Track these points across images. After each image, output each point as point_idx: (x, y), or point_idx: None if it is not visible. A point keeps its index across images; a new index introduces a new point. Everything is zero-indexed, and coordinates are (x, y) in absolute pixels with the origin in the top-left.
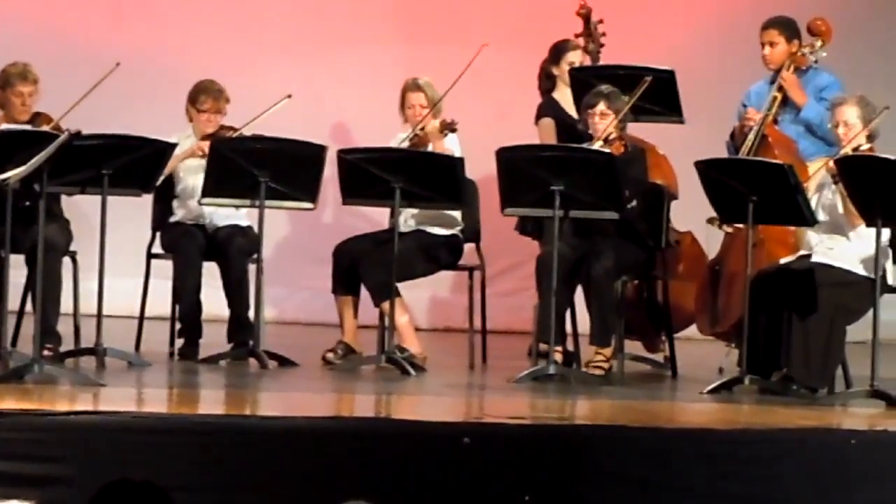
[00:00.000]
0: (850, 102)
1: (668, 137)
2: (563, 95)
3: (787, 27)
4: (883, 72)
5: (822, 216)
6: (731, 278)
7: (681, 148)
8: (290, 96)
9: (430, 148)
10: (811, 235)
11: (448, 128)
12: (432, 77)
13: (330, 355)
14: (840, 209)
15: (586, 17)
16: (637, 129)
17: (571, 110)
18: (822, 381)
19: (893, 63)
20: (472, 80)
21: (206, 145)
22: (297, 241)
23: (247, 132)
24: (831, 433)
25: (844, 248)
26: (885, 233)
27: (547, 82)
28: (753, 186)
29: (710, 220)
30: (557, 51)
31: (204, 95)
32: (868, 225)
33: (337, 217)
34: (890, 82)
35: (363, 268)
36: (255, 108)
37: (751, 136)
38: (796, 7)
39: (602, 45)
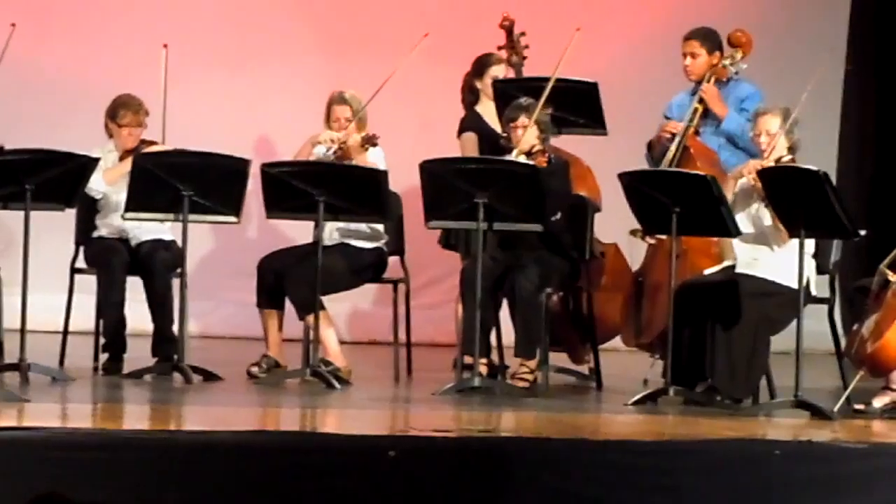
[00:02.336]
0: (772, 113)
1: (593, 150)
2: (487, 109)
3: (708, 38)
4: (804, 81)
5: (748, 227)
6: (655, 289)
7: (605, 160)
8: None
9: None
10: (735, 246)
11: (369, 142)
12: (356, 89)
13: (254, 369)
14: (768, 222)
15: (509, 30)
16: (562, 142)
17: (495, 124)
18: (746, 392)
19: (812, 73)
20: (395, 92)
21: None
22: (222, 255)
23: None
24: (756, 444)
25: (768, 258)
26: (810, 244)
27: (470, 96)
28: (677, 198)
29: (633, 232)
30: (481, 64)
31: (123, 110)
32: (791, 236)
33: (261, 231)
34: (810, 93)
35: (287, 282)
36: (177, 121)
37: (672, 148)
38: (718, 19)
39: (525, 58)
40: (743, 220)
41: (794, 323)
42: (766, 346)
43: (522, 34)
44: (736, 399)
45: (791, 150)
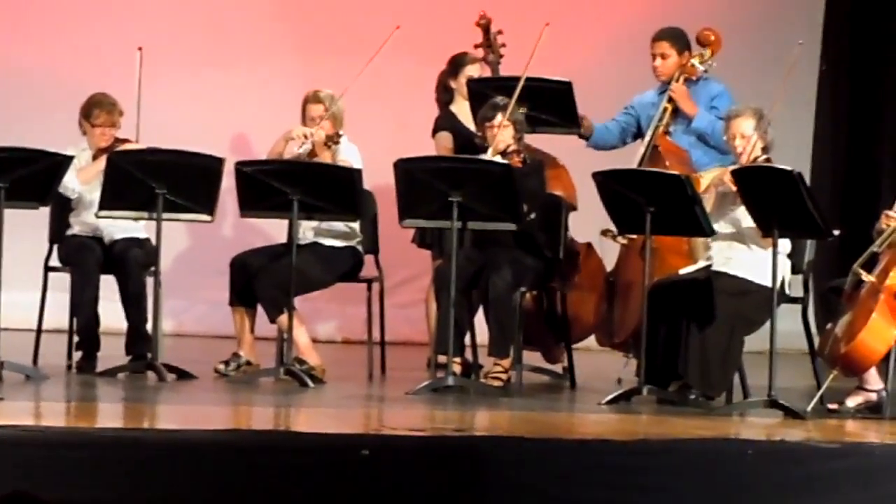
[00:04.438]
0: (745, 115)
1: (568, 149)
2: (462, 108)
3: (678, 39)
4: (775, 79)
5: (726, 227)
6: (627, 289)
7: (580, 159)
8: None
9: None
10: (710, 244)
11: (331, 140)
12: (332, 88)
13: (221, 367)
14: (748, 223)
15: (486, 28)
16: (538, 141)
17: (469, 123)
18: (720, 389)
19: (791, 75)
20: (371, 91)
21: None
22: (196, 253)
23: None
24: (729, 443)
25: (744, 257)
26: (787, 243)
27: (445, 95)
28: (651, 197)
29: (605, 232)
30: (456, 64)
31: (97, 109)
32: (765, 236)
33: (236, 229)
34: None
35: (257, 283)
36: (152, 120)
37: (642, 148)
38: (692, 18)
39: (502, 56)
40: (719, 219)
41: (768, 322)
42: (740, 344)
43: (499, 32)
44: (709, 396)
45: (765, 149)
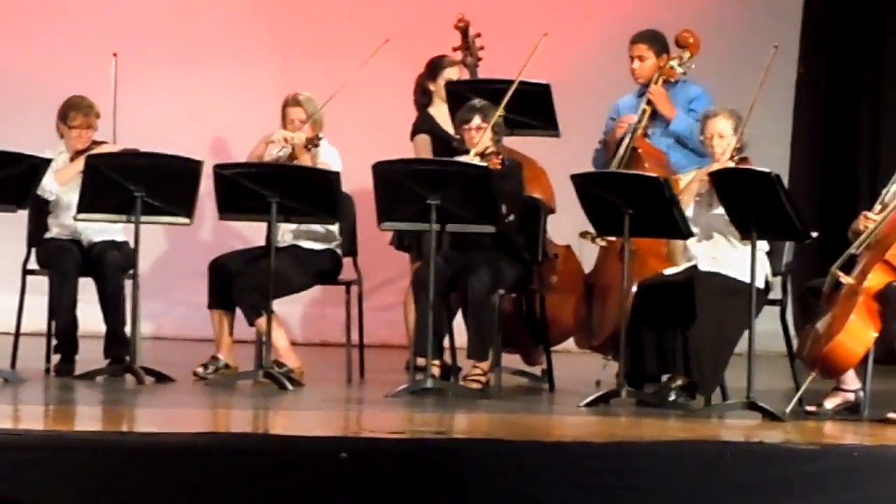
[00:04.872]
0: (722, 115)
1: (548, 151)
2: (440, 111)
3: (656, 41)
4: (753, 81)
5: (707, 226)
6: (606, 291)
7: (559, 161)
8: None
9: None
10: (692, 246)
11: (311, 143)
12: (312, 91)
13: (200, 370)
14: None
15: (464, 31)
16: (517, 144)
17: (448, 126)
18: (710, 390)
19: (769, 77)
20: (349, 93)
21: None
22: (175, 256)
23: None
24: (708, 445)
25: (729, 255)
26: (763, 242)
27: (423, 97)
28: (629, 199)
29: (583, 234)
30: (434, 66)
31: (74, 112)
32: (743, 238)
33: (215, 232)
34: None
35: (236, 286)
36: (130, 124)
37: (621, 150)
38: (670, 21)
39: (480, 59)
40: (700, 218)
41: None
42: (731, 343)
43: (478, 35)
44: (707, 391)
45: (741, 149)
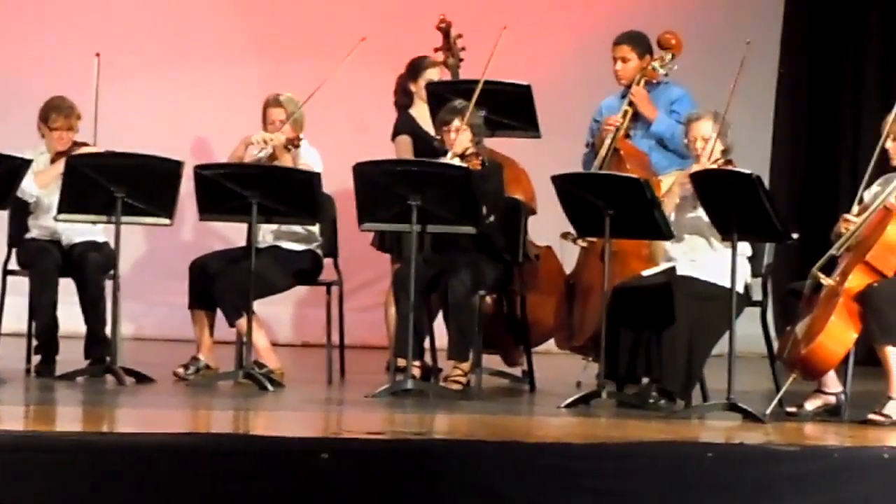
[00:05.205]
0: (705, 118)
1: (530, 151)
2: (421, 112)
3: (639, 42)
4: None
5: (688, 229)
6: (587, 292)
7: (541, 162)
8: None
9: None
10: (671, 248)
11: (291, 143)
12: (293, 92)
13: (181, 370)
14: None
15: (446, 32)
16: (498, 144)
17: (428, 126)
18: (688, 389)
19: (744, 74)
20: (330, 94)
21: None
22: (156, 256)
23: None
24: (688, 446)
25: (708, 259)
26: (746, 246)
27: (404, 98)
28: (610, 200)
29: (564, 235)
30: (415, 67)
31: (55, 113)
32: (724, 239)
33: (196, 233)
34: (740, 93)
35: (216, 287)
36: (111, 125)
37: (602, 151)
38: (653, 22)
39: (461, 60)
40: (682, 221)
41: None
42: (705, 345)
43: (459, 36)
44: (673, 398)
45: (725, 152)
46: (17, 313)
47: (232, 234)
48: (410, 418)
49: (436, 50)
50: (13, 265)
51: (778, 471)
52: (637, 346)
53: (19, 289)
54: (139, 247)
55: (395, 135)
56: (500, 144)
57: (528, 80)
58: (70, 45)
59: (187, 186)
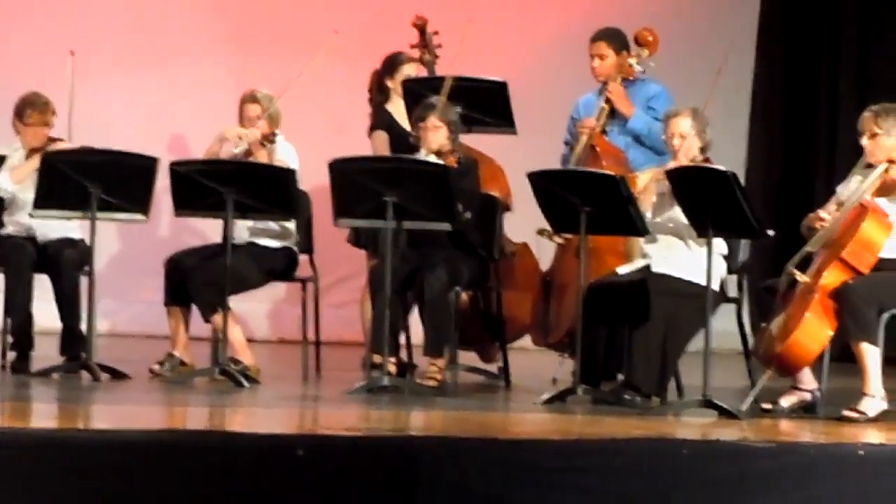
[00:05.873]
0: (683, 114)
1: (507, 148)
2: (397, 107)
3: (616, 39)
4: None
5: (664, 226)
6: (563, 289)
7: (518, 159)
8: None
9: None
10: (648, 245)
11: (266, 139)
12: (269, 88)
13: (156, 367)
14: (686, 222)
15: (422, 29)
16: (475, 141)
17: (405, 122)
18: (660, 387)
19: (724, 73)
20: (306, 90)
21: None
22: (131, 253)
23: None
24: (664, 443)
25: (683, 257)
26: (722, 245)
27: (380, 94)
28: (586, 197)
29: (541, 232)
30: (392, 63)
31: (30, 109)
32: (699, 236)
33: (172, 229)
34: (718, 90)
35: (191, 283)
36: (86, 121)
37: (578, 148)
38: (628, 18)
39: (437, 57)
40: (658, 219)
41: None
42: (679, 343)
43: (435, 33)
44: (648, 395)
45: (703, 149)
46: None
47: (208, 230)
48: (386, 415)
49: (412, 47)
50: None
51: (753, 467)
52: (613, 342)
53: None
54: (115, 243)
55: (371, 130)
56: (479, 141)
57: (505, 76)
58: (44, 42)
59: (163, 183)
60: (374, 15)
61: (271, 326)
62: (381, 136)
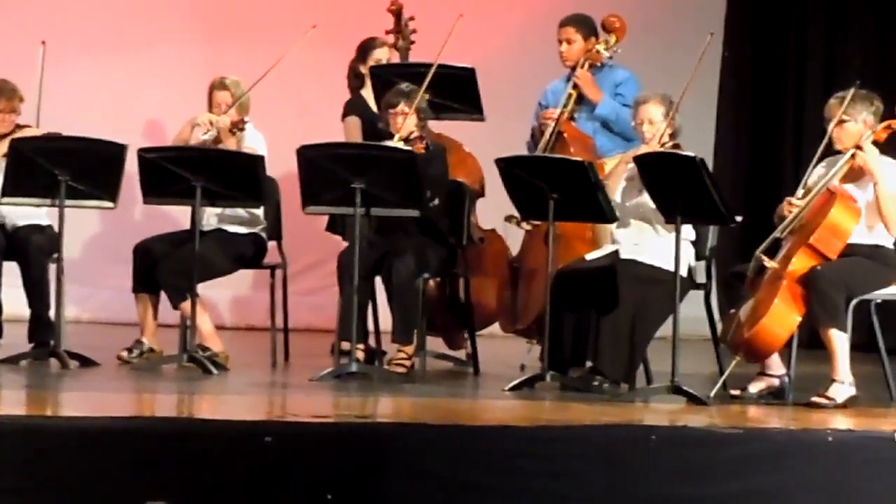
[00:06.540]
0: (653, 101)
1: (478, 134)
2: (371, 93)
3: (584, 25)
4: (679, 65)
5: (633, 212)
6: (531, 275)
7: (488, 145)
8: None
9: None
10: (616, 232)
11: (236, 126)
12: (239, 75)
13: (125, 354)
14: (654, 208)
15: (397, 14)
16: (446, 128)
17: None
18: (628, 374)
19: (690, 57)
20: (275, 77)
21: None
22: (100, 240)
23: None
24: (632, 429)
25: (652, 243)
26: (690, 231)
27: (355, 80)
28: (554, 183)
29: (508, 218)
30: (364, 49)
31: None
32: (668, 222)
33: (142, 216)
34: (685, 77)
35: (159, 270)
36: (55, 109)
37: (547, 134)
38: (597, 5)
39: (413, 43)
40: (626, 205)
41: (677, 307)
42: (647, 329)
43: (411, 19)
44: (616, 381)
45: (673, 136)
46: None
47: (177, 216)
48: (354, 401)
49: (387, 32)
50: None
51: (722, 453)
52: (581, 329)
53: None
54: (83, 230)
55: (344, 115)
56: (449, 128)
57: (473, 62)
58: (13, 29)
59: (132, 168)
60: (347, 2)
61: (240, 313)
62: (354, 123)
